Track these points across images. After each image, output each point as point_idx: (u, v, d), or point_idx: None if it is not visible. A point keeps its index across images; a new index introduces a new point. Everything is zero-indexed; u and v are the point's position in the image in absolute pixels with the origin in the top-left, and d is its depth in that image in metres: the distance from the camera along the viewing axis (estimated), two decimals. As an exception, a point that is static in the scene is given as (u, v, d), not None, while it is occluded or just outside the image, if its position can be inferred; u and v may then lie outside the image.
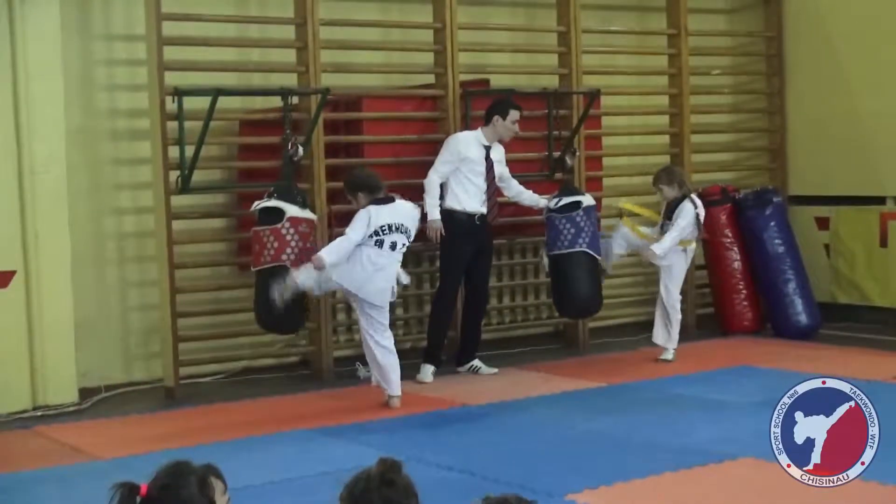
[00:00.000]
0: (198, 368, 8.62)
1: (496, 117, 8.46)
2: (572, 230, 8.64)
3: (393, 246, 7.43)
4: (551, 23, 9.81)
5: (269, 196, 7.70)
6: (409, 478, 2.74)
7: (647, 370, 8.62)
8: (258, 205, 7.71)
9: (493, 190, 8.54)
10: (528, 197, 8.86)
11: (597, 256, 8.72)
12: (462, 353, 8.75)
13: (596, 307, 9.08)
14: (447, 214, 8.39)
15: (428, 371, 8.44)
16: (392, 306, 7.80)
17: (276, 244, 7.58)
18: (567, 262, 8.69)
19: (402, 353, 8.70)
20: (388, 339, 7.55)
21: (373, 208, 7.45)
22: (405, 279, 7.63)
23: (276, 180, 8.18)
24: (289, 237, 7.58)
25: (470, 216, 8.41)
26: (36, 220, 7.85)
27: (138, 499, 2.50)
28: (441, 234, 8.25)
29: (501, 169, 8.64)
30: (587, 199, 8.79)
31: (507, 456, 6.27)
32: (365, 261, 7.37)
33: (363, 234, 7.36)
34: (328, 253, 7.32)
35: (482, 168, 8.44)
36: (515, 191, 8.80)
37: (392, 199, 7.56)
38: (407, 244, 7.56)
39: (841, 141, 10.42)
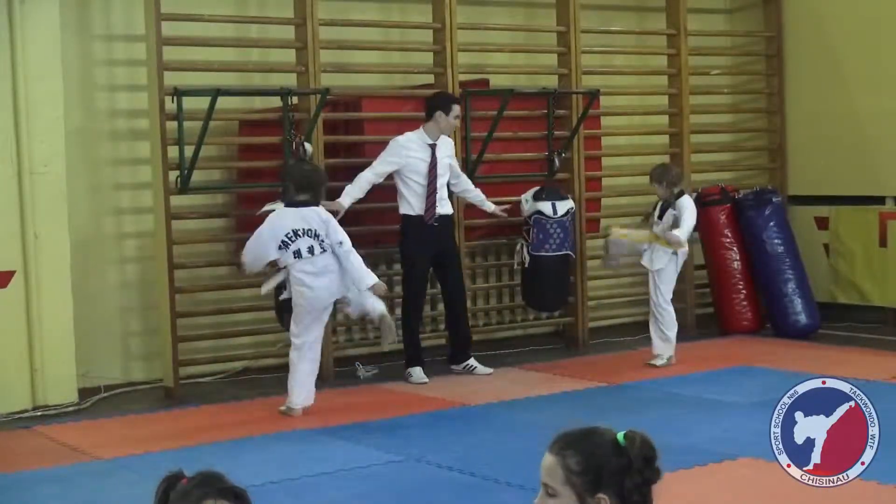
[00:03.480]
0: (198, 368, 8.62)
1: (439, 113, 8.36)
2: (561, 234, 8.92)
3: (311, 249, 7.19)
4: (551, 23, 9.81)
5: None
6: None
7: (647, 370, 8.61)
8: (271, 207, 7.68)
9: (433, 189, 8.38)
10: (475, 196, 8.78)
11: (573, 256, 9.15)
12: (455, 354, 8.74)
13: (564, 304, 9.57)
14: (403, 219, 8.40)
15: (418, 372, 8.42)
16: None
17: None
18: (553, 263, 8.98)
19: (400, 354, 8.72)
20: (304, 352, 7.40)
21: (279, 214, 7.26)
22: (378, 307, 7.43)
23: (277, 180, 8.18)
24: None
25: (424, 219, 8.37)
26: (36, 220, 7.85)
27: (179, 484, 2.52)
28: (337, 212, 7.92)
29: (451, 163, 8.54)
30: (570, 203, 9.07)
31: (507, 456, 6.27)
32: (303, 278, 7.20)
33: (267, 232, 7.22)
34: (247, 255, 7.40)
35: (426, 167, 8.34)
36: (462, 187, 8.71)
37: (306, 204, 7.27)
38: (325, 244, 7.19)
39: (840, 141, 10.41)
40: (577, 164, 9.65)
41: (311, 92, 8.41)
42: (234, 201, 8.92)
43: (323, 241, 7.21)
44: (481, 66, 9.79)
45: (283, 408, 7.43)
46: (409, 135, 8.40)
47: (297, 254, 7.20)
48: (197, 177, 8.24)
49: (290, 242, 7.18)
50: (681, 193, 8.65)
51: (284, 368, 8.88)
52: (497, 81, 9.58)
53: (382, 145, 9.02)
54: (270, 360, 8.99)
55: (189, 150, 8.05)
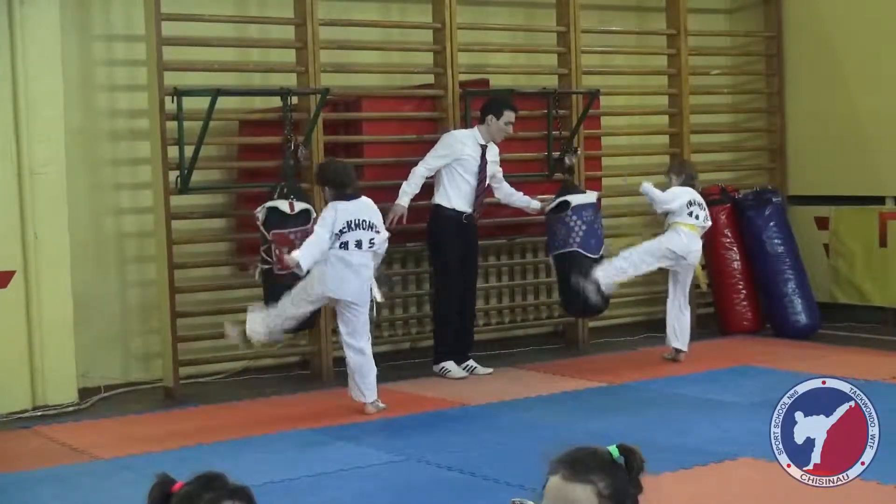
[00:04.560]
0: (198, 368, 8.62)
1: (490, 116, 8.43)
2: (563, 230, 8.75)
3: (359, 244, 7.25)
4: (551, 23, 9.81)
5: (284, 196, 7.71)
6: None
7: (647, 370, 8.61)
8: (292, 207, 7.69)
9: (482, 189, 8.50)
10: (519, 199, 8.85)
11: (589, 255, 8.71)
12: (456, 353, 8.72)
13: (599, 306, 9.04)
14: (435, 210, 8.42)
15: (455, 366, 8.44)
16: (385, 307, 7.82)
17: None
18: (566, 262, 8.79)
19: (400, 354, 8.72)
20: (365, 342, 7.43)
21: (336, 205, 7.29)
22: (378, 296, 7.54)
23: (276, 180, 8.19)
24: None
25: (458, 214, 8.40)
26: (35, 220, 7.85)
27: (171, 497, 2.49)
28: (399, 220, 8.14)
29: (495, 169, 8.62)
30: (582, 198, 8.79)
31: (507, 456, 6.27)
32: (335, 262, 7.24)
33: (330, 229, 7.21)
34: (303, 255, 7.13)
35: (476, 167, 8.43)
36: (506, 192, 8.79)
37: (358, 196, 7.38)
38: (375, 241, 7.32)
39: (840, 141, 10.41)
40: (578, 164, 9.64)
41: (311, 92, 8.41)
42: (234, 201, 8.92)
43: (374, 235, 7.30)
44: (481, 66, 9.79)
45: (378, 405, 7.41)
46: (463, 131, 8.56)
47: (345, 245, 7.22)
48: (197, 177, 8.24)
49: (339, 234, 7.21)
50: (681, 183, 8.73)
51: (284, 368, 8.94)
52: (497, 81, 9.58)
53: (382, 145, 9.05)
54: (270, 360, 9.00)
55: (189, 150, 8.05)
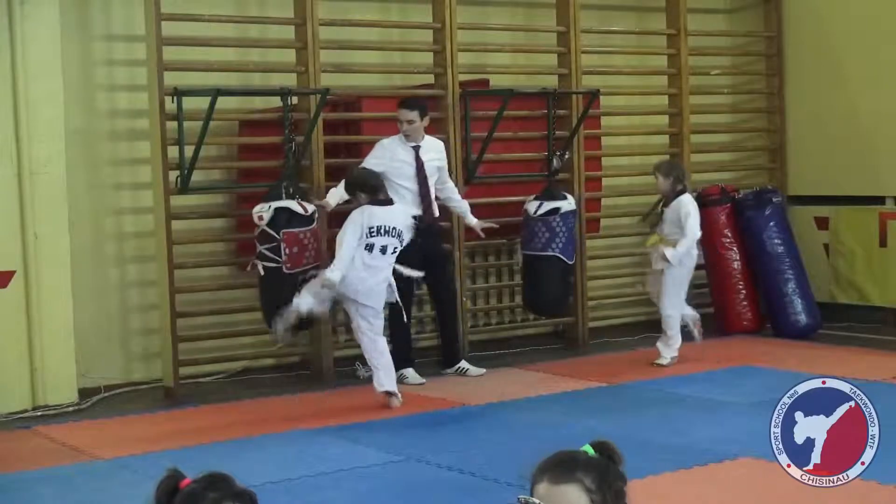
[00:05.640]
0: (198, 368, 8.62)
1: None
2: (547, 234, 8.83)
3: (384, 249, 7.43)
4: (551, 23, 9.81)
5: (291, 196, 7.76)
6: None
7: (647, 370, 8.61)
8: (305, 209, 7.78)
9: (425, 190, 8.34)
10: (458, 205, 8.67)
11: (567, 262, 8.88)
12: (446, 357, 8.71)
13: (562, 308, 9.40)
14: None
15: (413, 373, 8.38)
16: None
17: (315, 244, 7.82)
18: (540, 263, 8.91)
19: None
20: (382, 342, 7.56)
21: (367, 209, 7.49)
22: (395, 298, 7.67)
23: (276, 180, 8.19)
24: (318, 237, 7.92)
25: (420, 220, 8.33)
26: (36, 221, 7.85)
27: (178, 492, 2.49)
28: (321, 210, 8.06)
29: (440, 166, 8.47)
30: (566, 205, 8.87)
31: (507, 456, 6.25)
32: (357, 264, 7.38)
33: (357, 236, 7.39)
34: (333, 270, 7.34)
35: (412, 170, 8.32)
36: (446, 194, 8.59)
37: (390, 202, 7.63)
38: (398, 248, 7.54)
39: (841, 141, 10.41)
40: (577, 164, 9.65)
41: (311, 92, 8.41)
42: (234, 201, 8.92)
43: (399, 244, 7.48)
44: (481, 66, 9.79)
45: (397, 397, 7.53)
46: (392, 138, 8.37)
47: (370, 248, 7.41)
48: (197, 177, 8.24)
49: (369, 237, 7.40)
50: (682, 191, 8.66)
51: (284, 368, 8.94)
52: (497, 81, 9.58)
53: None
54: (270, 360, 9.00)
55: (189, 151, 8.05)
